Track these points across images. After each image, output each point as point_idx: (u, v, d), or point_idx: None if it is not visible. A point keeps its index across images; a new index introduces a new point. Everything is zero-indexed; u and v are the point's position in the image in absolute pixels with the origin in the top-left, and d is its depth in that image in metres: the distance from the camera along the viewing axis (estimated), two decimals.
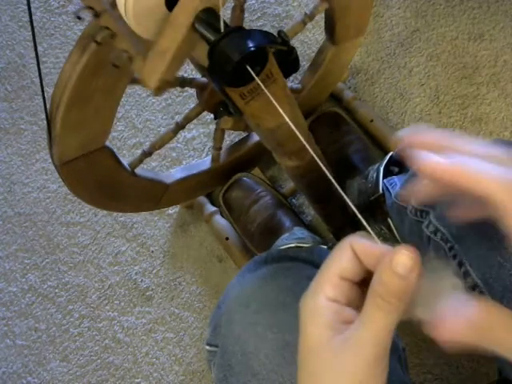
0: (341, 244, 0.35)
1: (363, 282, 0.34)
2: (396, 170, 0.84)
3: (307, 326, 0.34)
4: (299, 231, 0.91)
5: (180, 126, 0.78)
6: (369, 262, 0.34)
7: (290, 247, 0.81)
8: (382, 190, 0.81)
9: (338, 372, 0.32)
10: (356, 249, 0.34)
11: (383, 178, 0.82)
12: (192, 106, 1.08)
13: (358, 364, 0.32)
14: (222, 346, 0.54)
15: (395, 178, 0.81)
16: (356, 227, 0.65)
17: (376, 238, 0.34)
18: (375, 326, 0.32)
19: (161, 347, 1.01)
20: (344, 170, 0.92)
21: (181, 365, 0.99)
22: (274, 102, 0.41)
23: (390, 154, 0.85)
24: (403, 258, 0.31)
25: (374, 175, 0.83)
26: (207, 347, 0.58)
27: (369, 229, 0.35)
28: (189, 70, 1.13)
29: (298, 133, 0.38)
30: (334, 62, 0.84)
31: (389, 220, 0.79)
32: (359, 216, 0.36)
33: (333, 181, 0.38)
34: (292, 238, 0.89)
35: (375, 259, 0.33)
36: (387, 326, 0.32)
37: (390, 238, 0.85)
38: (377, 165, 0.86)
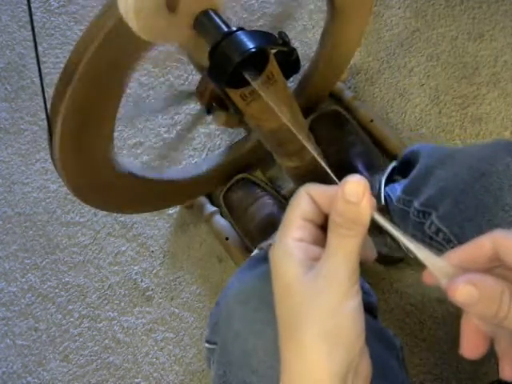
0: (297, 193, 0.37)
1: (324, 229, 0.36)
2: (399, 178, 0.84)
3: (280, 268, 0.35)
4: None
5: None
6: (324, 203, 0.36)
7: None
8: (385, 199, 0.81)
9: (316, 301, 0.33)
10: (312, 194, 0.36)
11: (385, 186, 0.82)
12: (192, 106, 1.08)
13: (333, 289, 0.33)
14: (221, 343, 0.54)
15: (396, 185, 0.81)
16: None
17: (383, 221, 0.35)
18: (342, 252, 0.33)
19: (161, 347, 1.01)
20: (345, 174, 0.92)
21: (181, 365, 0.99)
22: (273, 106, 0.41)
23: (391, 164, 0.86)
24: (352, 185, 0.33)
25: (377, 186, 0.84)
26: (206, 345, 0.58)
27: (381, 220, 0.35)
28: (189, 70, 1.13)
29: (299, 135, 0.38)
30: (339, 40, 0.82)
31: None
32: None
33: (335, 179, 0.38)
34: None
35: (329, 200, 0.35)
36: (353, 250, 0.33)
37: (395, 248, 0.85)
38: (379, 175, 0.86)
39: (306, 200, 0.36)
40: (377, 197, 0.82)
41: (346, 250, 0.33)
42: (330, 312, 0.33)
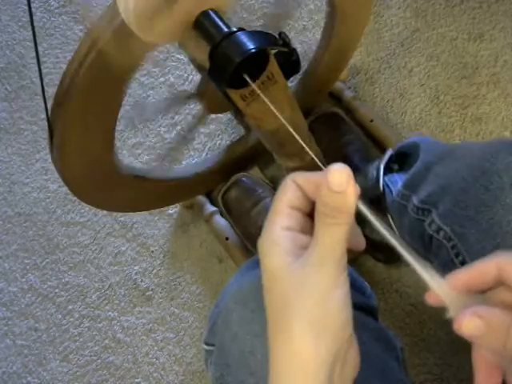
0: (283, 182, 0.37)
1: (312, 216, 0.36)
2: (396, 167, 0.84)
3: (267, 257, 0.35)
4: None
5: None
6: (310, 190, 0.36)
7: None
8: (383, 187, 0.81)
9: (304, 289, 0.33)
10: (298, 181, 0.36)
11: (383, 176, 0.82)
12: (192, 106, 1.08)
13: (320, 277, 0.33)
14: (219, 344, 0.54)
15: (396, 176, 0.81)
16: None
17: (378, 224, 0.35)
18: (329, 240, 0.33)
19: (161, 347, 1.01)
20: None
21: (181, 365, 0.99)
22: (272, 107, 0.41)
23: (389, 151, 0.85)
24: (335, 175, 0.32)
25: (375, 173, 0.83)
26: (205, 346, 0.58)
27: (373, 219, 0.35)
28: (189, 70, 1.13)
29: (297, 136, 0.38)
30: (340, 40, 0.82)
31: (389, 218, 0.80)
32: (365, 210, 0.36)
33: None
34: None
35: (315, 187, 0.35)
36: (340, 238, 0.34)
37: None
38: (376, 162, 0.86)
39: (292, 188, 0.36)
40: (375, 183, 0.82)
41: (332, 238, 0.33)
42: (317, 300, 0.33)
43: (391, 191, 0.79)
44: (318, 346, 0.33)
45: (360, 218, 0.36)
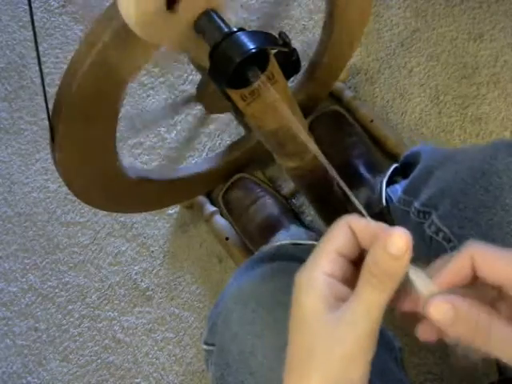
0: (339, 222, 0.35)
1: (358, 262, 0.35)
2: (400, 179, 0.84)
3: (301, 297, 0.34)
4: (295, 228, 0.91)
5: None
6: (364, 239, 0.35)
7: (285, 244, 0.81)
8: (386, 200, 0.81)
9: (331, 346, 0.33)
10: (353, 226, 0.35)
11: (386, 187, 0.82)
12: (192, 106, 1.08)
13: (350, 339, 0.32)
14: (219, 344, 0.54)
15: (396, 185, 0.81)
16: None
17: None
18: (369, 303, 0.32)
19: (161, 347, 1.01)
20: (347, 176, 0.92)
21: (181, 365, 0.99)
22: (281, 105, 0.41)
23: (393, 165, 0.85)
24: (397, 239, 0.31)
25: (378, 187, 0.83)
26: (205, 346, 0.58)
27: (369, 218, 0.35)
28: (189, 70, 1.13)
29: (302, 135, 0.38)
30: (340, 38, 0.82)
31: None
32: (363, 211, 0.36)
33: (337, 178, 0.38)
34: (287, 235, 0.89)
35: (371, 237, 0.34)
36: (380, 304, 0.32)
37: None
38: (381, 177, 0.86)
39: (345, 233, 0.35)
40: (378, 199, 0.82)
41: (373, 301, 0.32)
42: (341, 361, 0.33)
43: (392, 200, 0.79)
44: None
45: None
